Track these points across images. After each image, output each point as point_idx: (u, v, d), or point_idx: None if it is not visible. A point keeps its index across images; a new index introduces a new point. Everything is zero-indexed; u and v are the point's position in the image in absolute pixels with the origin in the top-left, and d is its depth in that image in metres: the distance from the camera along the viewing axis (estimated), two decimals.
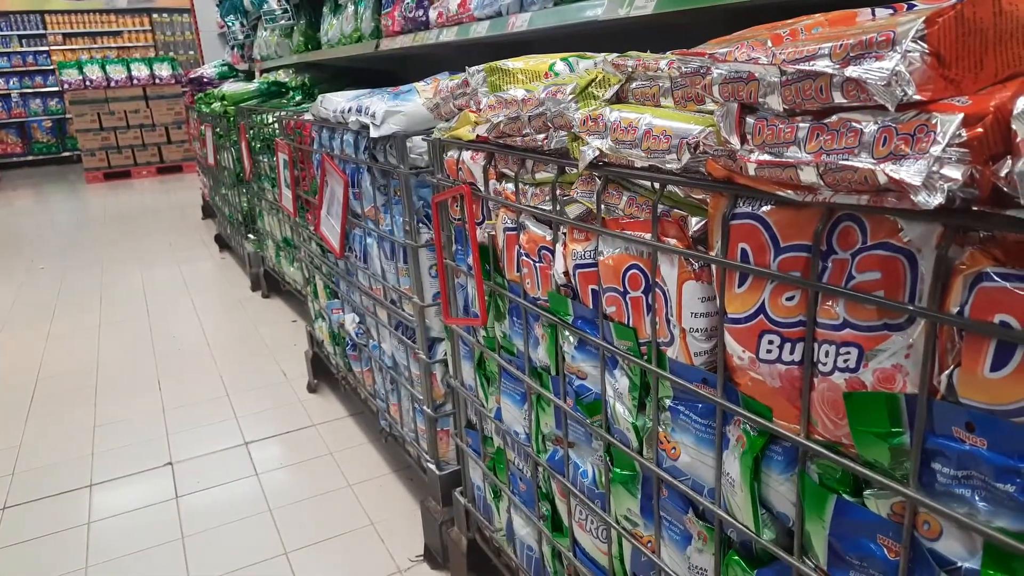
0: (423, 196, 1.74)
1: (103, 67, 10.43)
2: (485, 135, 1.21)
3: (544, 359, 1.22)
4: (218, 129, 4.69)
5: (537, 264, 1.16)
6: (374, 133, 1.71)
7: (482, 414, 1.54)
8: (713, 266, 0.82)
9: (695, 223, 0.86)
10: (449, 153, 1.42)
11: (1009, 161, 0.50)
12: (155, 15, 13.17)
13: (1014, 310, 0.54)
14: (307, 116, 2.46)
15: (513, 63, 1.33)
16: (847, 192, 0.61)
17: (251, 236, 4.44)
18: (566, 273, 1.09)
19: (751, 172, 0.69)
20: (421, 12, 2.52)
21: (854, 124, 0.58)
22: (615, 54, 1.01)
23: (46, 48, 12.61)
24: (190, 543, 2.09)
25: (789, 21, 0.77)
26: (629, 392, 1.01)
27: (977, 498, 0.59)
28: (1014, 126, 0.50)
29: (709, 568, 0.92)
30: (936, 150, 0.52)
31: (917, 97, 0.54)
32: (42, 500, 2.36)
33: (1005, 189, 0.51)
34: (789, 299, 0.73)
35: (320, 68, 4.28)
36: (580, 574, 1.24)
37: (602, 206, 0.97)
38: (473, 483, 1.69)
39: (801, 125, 0.63)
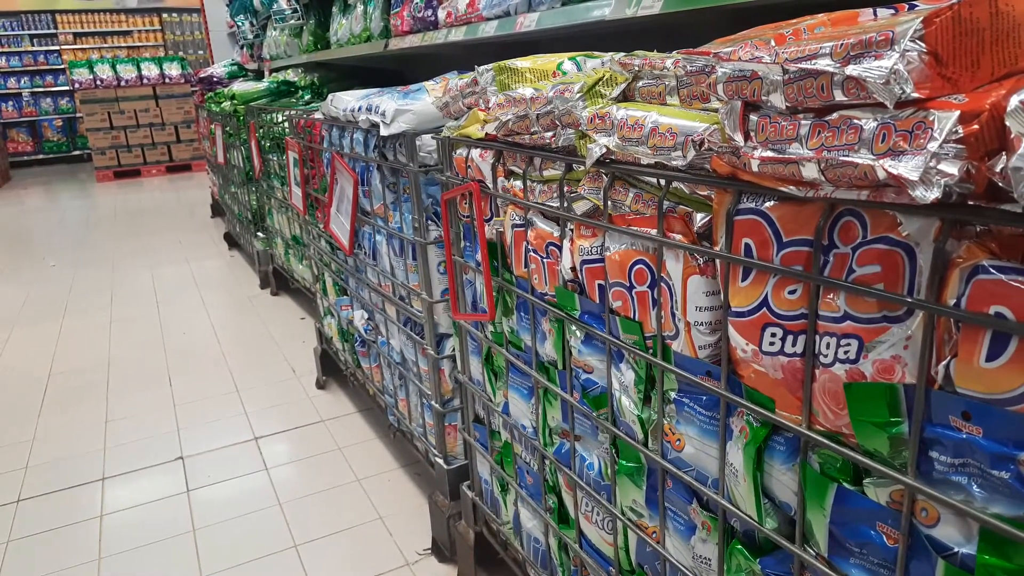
0: (432, 194, 1.76)
1: (113, 66, 10.51)
2: (494, 133, 1.23)
3: (551, 353, 1.24)
4: (228, 128, 4.73)
5: (544, 260, 1.18)
6: (384, 132, 1.73)
7: (490, 408, 1.56)
8: (717, 261, 0.84)
9: (700, 219, 0.87)
10: (458, 151, 1.44)
11: (1004, 157, 0.52)
12: (165, 15, 13.25)
13: (1009, 301, 0.56)
14: (317, 115, 2.48)
15: (521, 62, 1.35)
16: (847, 187, 0.63)
17: (260, 234, 4.47)
18: (573, 269, 1.11)
19: (754, 168, 0.71)
20: (430, 12, 2.54)
21: (854, 121, 0.60)
22: (622, 53, 1.03)
23: (57, 48, 12.71)
24: (201, 536, 2.12)
25: (792, 21, 0.79)
26: (635, 385, 1.03)
27: (973, 485, 0.61)
28: (1008, 123, 0.51)
29: (713, 557, 0.94)
30: (933, 146, 0.54)
31: (915, 95, 0.56)
32: (55, 493, 2.40)
33: (1000, 184, 0.52)
34: (791, 293, 0.75)
35: (329, 68, 4.31)
36: (586, 565, 1.26)
37: (609, 202, 0.99)
38: (481, 477, 1.71)
39: (803, 122, 0.65)
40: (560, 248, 1.14)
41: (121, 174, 10.53)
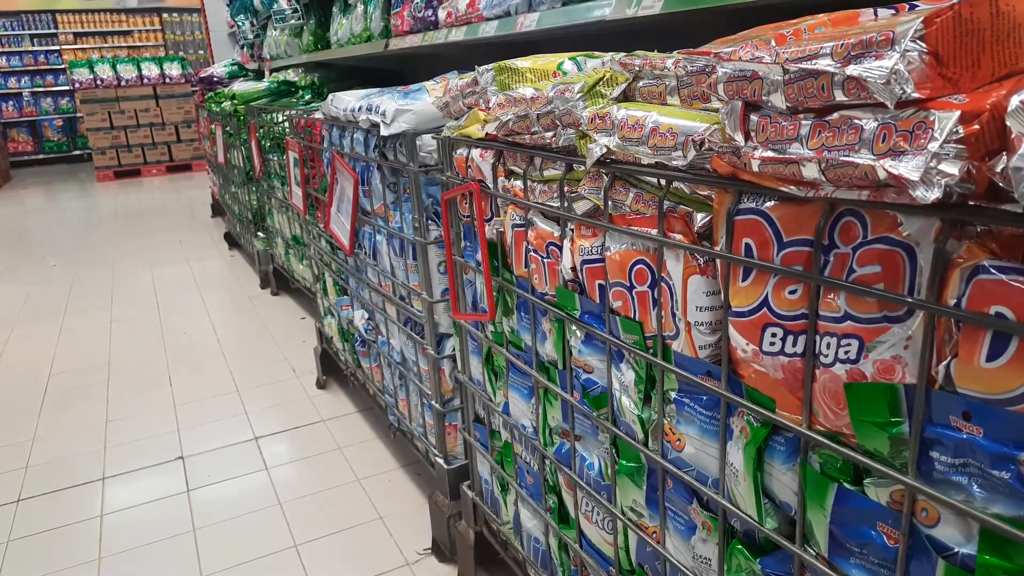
0: (432, 193, 1.76)
1: (114, 66, 10.51)
2: (494, 133, 1.23)
3: (551, 353, 1.24)
4: (228, 128, 4.73)
5: (545, 260, 1.18)
6: (384, 131, 1.73)
7: (490, 408, 1.56)
8: (718, 261, 0.84)
9: (700, 219, 0.87)
10: (458, 151, 1.44)
11: (1004, 157, 0.52)
12: (165, 15, 13.26)
13: (1009, 301, 0.56)
14: (317, 115, 2.48)
15: (522, 62, 1.35)
16: (848, 187, 0.63)
17: (260, 234, 4.47)
18: (573, 268, 1.11)
19: (755, 168, 0.71)
20: (430, 12, 2.54)
21: (855, 121, 0.60)
22: (622, 53, 1.03)
23: (57, 47, 12.72)
24: (201, 536, 2.12)
25: (793, 21, 0.79)
26: (635, 385, 1.03)
27: (974, 485, 0.61)
28: (1009, 123, 0.51)
29: (713, 557, 0.94)
30: (934, 146, 0.54)
31: (916, 95, 0.56)
32: (55, 493, 2.40)
33: (1000, 184, 0.52)
34: (792, 293, 0.75)
35: (329, 67, 4.31)
36: (586, 565, 1.26)
37: (609, 202, 0.99)
38: (481, 477, 1.71)
39: (803, 122, 0.65)
40: (560, 248, 1.14)
41: (121, 174, 10.53)
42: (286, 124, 3.37)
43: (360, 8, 3.29)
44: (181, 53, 12.81)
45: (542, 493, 1.37)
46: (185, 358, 3.50)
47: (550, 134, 1.07)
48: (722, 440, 0.87)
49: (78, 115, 12.31)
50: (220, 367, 3.35)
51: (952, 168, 0.53)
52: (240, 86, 4.84)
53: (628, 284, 0.99)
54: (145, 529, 2.17)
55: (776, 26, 0.80)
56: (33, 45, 12.63)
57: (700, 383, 0.88)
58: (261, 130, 3.82)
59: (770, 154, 0.68)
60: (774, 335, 0.77)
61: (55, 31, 12.66)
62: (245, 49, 6.20)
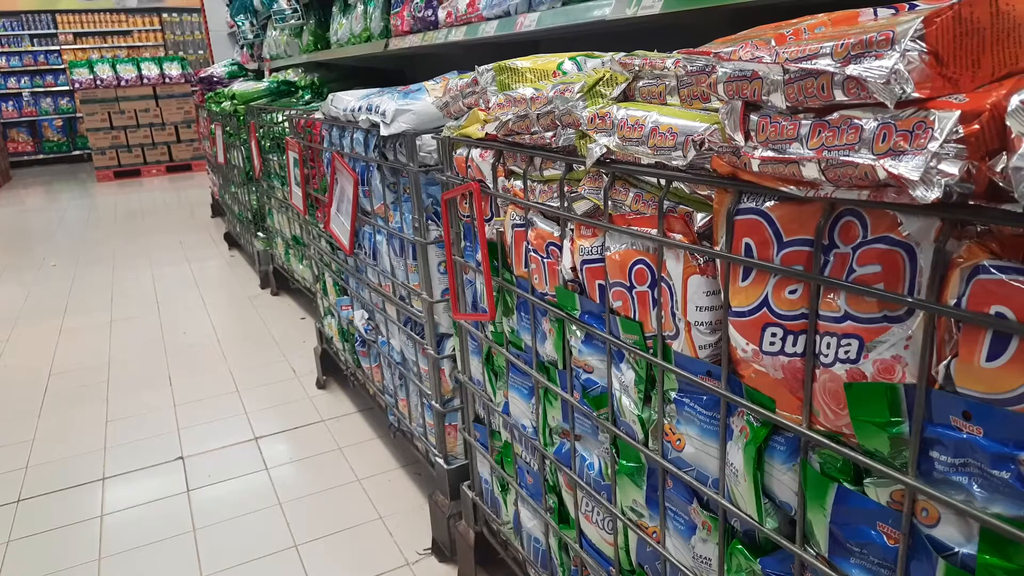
0: (432, 194, 1.76)
1: (113, 66, 10.51)
2: (494, 133, 1.23)
3: (551, 353, 1.24)
4: (228, 128, 4.73)
5: (545, 260, 1.18)
6: (384, 131, 1.73)
7: (490, 408, 1.56)
8: (718, 260, 0.84)
9: (700, 219, 0.87)
10: (458, 151, 1.44)
11: (1004, 157, 0.52)
12: (165, 15, 13.26)
13: (1010, 301, 0.56)
14: (317, 115, 2.48)
15: (522, 62, 1.35)
16: (848, 187, 0.63)
17: (260, 234, 4.47)
18: (573, 268, 1.11)
19: (755, 168, 0.71)
20: (430, 12, 2.54)
21: (855, 121, 0.60)
22: (622, 53, 1.03)
23: (57, 47, 12.72)
24: (201, 536, 2.12)
25: (792, 21, 0.79)
26: (635, 385, 1.03)
27: (974, 485, 0.61)
28: (1009, 123, 0.51)
29: (713, 557, 0.94)
30: (934, 146, 0.54)
31: (916, 95, 0.56)
32: (56, 493, 2.40)
33: (1000, 184, 0.52)
34: (792, 292, 0.75)
35: (329, 67, 4.31)
36: (587, 565, 1.26)
37: (609, 202, 0.99)
38: (481, 477, 1.71)
39: (803, 122, 0.65)
40: (560, 248, 1.14)
41: (121, 174, 10.53)
42: (286, 124, 3.37)
43: (360, 8, 3.29)
44: (181, 53, 12.81)
45: (542, 493, 1.37)
46: (185, 358, 3.50)
47: (550, 134, 1.07)
48: (722, 440, 0.87)
49: (78, 115, 12.31)
50: (220, 367, 3.35)
51: (952, 168, 0.53)
52: (240, 86, 4.84)
53: (628, 284, 0.99)
54: (145, 529, 2.17)
55: (776, 26, 0.80)
56: (33, 45, 12.63)
57: (700, 383, 0.88)
58: (261, 130, 3.82)
59: (770, 154, 0.68)
60: (774, 335, 0.77)
61: (55, 31, 12.66)
62: (245, 49, 6.20)
